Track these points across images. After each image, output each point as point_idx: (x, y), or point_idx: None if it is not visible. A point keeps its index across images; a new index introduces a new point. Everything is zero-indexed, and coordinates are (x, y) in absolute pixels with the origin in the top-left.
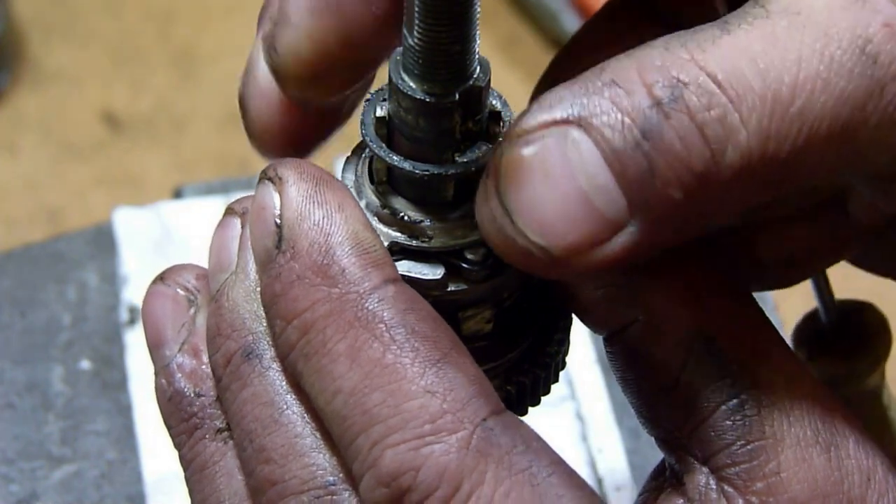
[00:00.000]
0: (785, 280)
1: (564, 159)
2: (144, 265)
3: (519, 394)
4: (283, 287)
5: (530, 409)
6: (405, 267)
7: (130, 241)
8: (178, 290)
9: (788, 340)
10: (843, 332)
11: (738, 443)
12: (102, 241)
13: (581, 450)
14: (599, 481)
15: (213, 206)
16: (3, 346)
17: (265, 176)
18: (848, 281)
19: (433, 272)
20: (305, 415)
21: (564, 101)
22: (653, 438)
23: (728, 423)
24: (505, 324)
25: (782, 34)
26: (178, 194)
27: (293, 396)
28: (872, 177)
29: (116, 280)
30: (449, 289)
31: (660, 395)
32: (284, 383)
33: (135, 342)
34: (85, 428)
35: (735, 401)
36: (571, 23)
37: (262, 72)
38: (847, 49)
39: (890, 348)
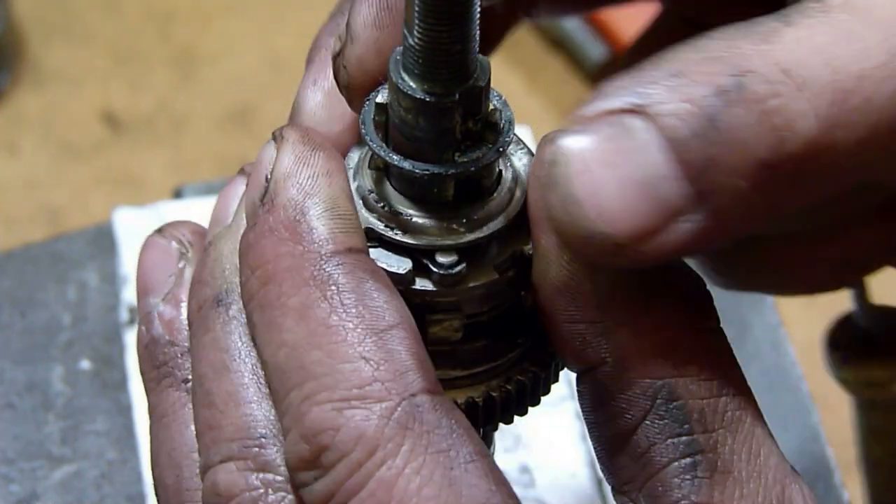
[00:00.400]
0: (834, 284)
1: (623, 147)
2: None
3: (519, 393)
4: (255, 237)
5: (530, 408)
6: (374, 255)
7: (130, 241)
8: (173, 242)
9: (787, 338)
10: (881, 336)
11: (683, 502)
12: (102, 241)
13: (581, 450)
14: (599, 481)
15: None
16: (3, 346)
17: (273, 135)
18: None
19: (399, 265)
20: (257, 367)
21: (623, 90)
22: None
23: (677, 480)
24: (490, 331)
25: (844, 27)
26: (178, 194)
27: (248, 348)
28: None
29: (116, 280)
30: (414, 286)
31: (618, 443)
32: (245, 335)
33: (135, 342)
34: (85, 428)
35: (688, 459)
36: (571, 23)
37: (314, 103)
38: None
39: None
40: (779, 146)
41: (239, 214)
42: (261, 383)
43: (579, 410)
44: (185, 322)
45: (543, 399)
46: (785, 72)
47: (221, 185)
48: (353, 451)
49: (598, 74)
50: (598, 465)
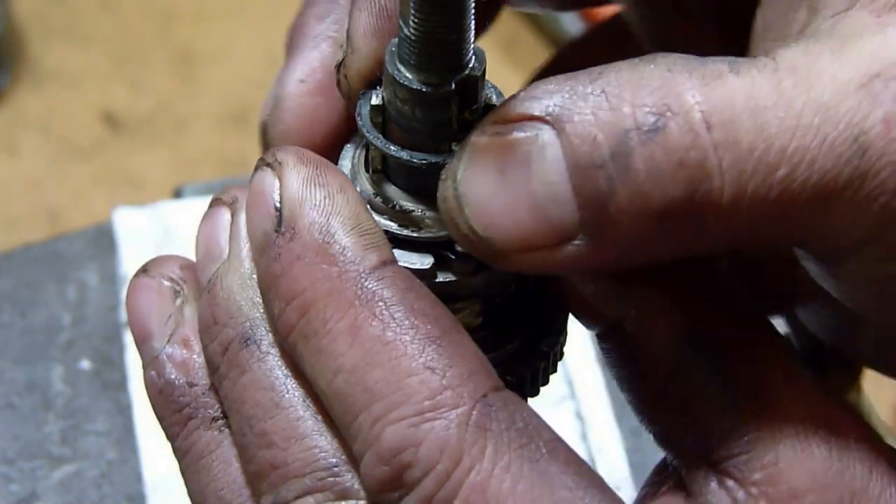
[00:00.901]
0: (774, 310)
1: (527, 159)
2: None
3: (519, 384)
4: (282, 268)
5: (530, 399)
6: (396, 256)
7: (130, 241)
8: (164, 281)
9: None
10: (818, 350)
11: (734, 435)
12: (102, 241)
13: (581, 449)
14: None
15: None
16: (3, 346)
17: (263, 163)
18: None
19: (421, 262)
20: (306, 398)
21: (549, 96)
22: (651, 436)
23: (722, 418)
24: (498, 318)
25: (787, 92)
26: (178, 194)
27: (293, 381)
28: (823, 257)
29: (116, 280)
30: (437, 280)
31: (654, 393)
32: (284, 368)
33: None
34: (85, 428)
35: (729, 396)
36: (572, 23)
37: (293, 93)
38: (841, 133)
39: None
40: (683, 198)
41: (235, 246)
42: (316, 414)
43: (579, 410)
44: (199, 361)
45: (543, 399)
46: (710, 126)
47: (221, 184)
48: (439, 463)
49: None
50: (598, 465)
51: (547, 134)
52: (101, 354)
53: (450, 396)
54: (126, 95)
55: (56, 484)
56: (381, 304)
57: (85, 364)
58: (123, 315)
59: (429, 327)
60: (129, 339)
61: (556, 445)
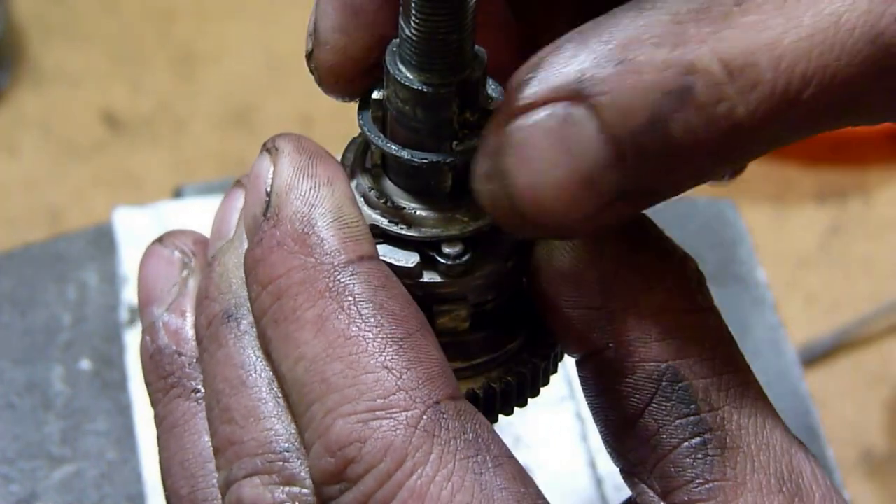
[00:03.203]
0: None
1: (566, 141)
2: None
3: (519, 384)
4: (263, 253)
5: (531, 400)
6: (381, 251)
7: (130, 241)
8: (175, 252)
9: (787, 338)
10: None
11: (697, 481)
12: (102, 241)
13: (581, 450)
14: (599, 482)
15: (213, 206)
16: (3, 346)
17: (265, 147)
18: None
19: (407, 259)
20: (272, 382)
21: (570, 69)
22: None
23: (689, 460)
24: (495, 319)
25: (794, 12)
26: (178, 194)
27: (263, 362)
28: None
29: (116, 280)
30: (423, 279)
31: (626, 426)
32: (258, 349)
33: (135, 342)
34: (85, 428)
35: (698, 439)
36: None
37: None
38: (858, 41)
39: None
40: (720, 147)
41: (240, 228)
42: (279, 397)
43: (579, 410)
44: (191, 333)
45: (543, 399)
46: (731, 73)
47: (221, 184)
48: (381, 463)
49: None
50: (598, 465)
51: (579, 111)
52: (101, 354)
53: (402, 398)
54: (126, 95)
55: (56, 484)
56: (350, 298)
57: (85, 364)
58: (123, 315)
59: (394, 327)
60: (129, 339)
61: (505, 462)
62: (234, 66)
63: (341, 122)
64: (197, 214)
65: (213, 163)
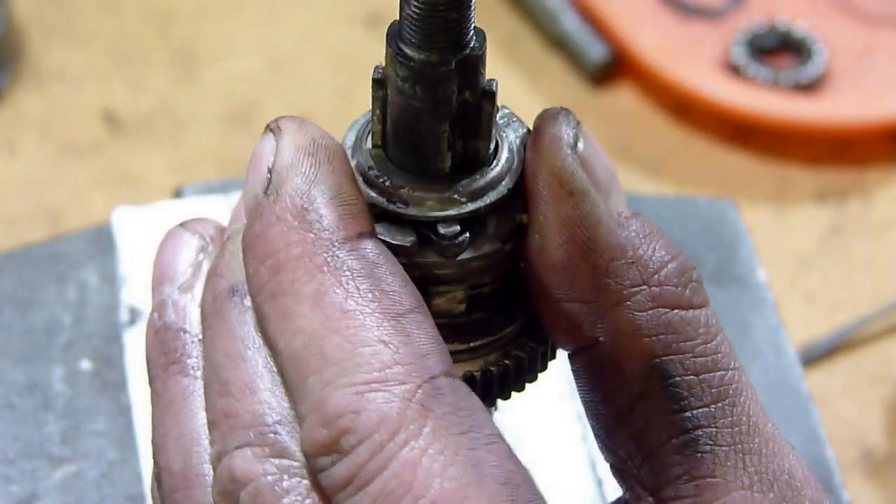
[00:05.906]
0: None
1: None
2: (144, 265)
3: (517, 368)
4: (262, 228)
5: (531, 399)
6: (379, 230)
7: (130, 241)
8: (194, 236)
9: (787, 338)
10: None
11: (685, 477)
12: (102, 241)
13: (581, 450)
14: (600, 482)
15: (213, 206)
16: (3, 346)
17: (268, 128)
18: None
19: (403, 238)
20: (269, 357)
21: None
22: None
23: (677, 456)
24: (493, 302)
25: None
26: (178, 194)
27: (262, 337)
28: None
29: (116, 280)
30: (417, 259)
31: (616, 421)
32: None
33: (135, 342)
34: (85, 428)
35: (688, 436)
36: (571, 23)
37: None
38: None
39: None
40: None
41: None
42: (274, 372)
43: (580, 411)
44: (198, 312)
45: (543, 399)
46: None
47: (221, 185)
48: (374, 433)
49: (598, 74)
50: (598, 466)
51: None
52: (101, 355)
53: (399, 372)
54: (126, 95)
55: (56, 484)
56: (348, 273)
57: (85, 364)
58: (123, 315)
59: (391, 303)
60: (129, 339)
61: (497, 440)
62: (234, 66)
63: (341, 122)
64: (197, 214)
65: (213, 163)
